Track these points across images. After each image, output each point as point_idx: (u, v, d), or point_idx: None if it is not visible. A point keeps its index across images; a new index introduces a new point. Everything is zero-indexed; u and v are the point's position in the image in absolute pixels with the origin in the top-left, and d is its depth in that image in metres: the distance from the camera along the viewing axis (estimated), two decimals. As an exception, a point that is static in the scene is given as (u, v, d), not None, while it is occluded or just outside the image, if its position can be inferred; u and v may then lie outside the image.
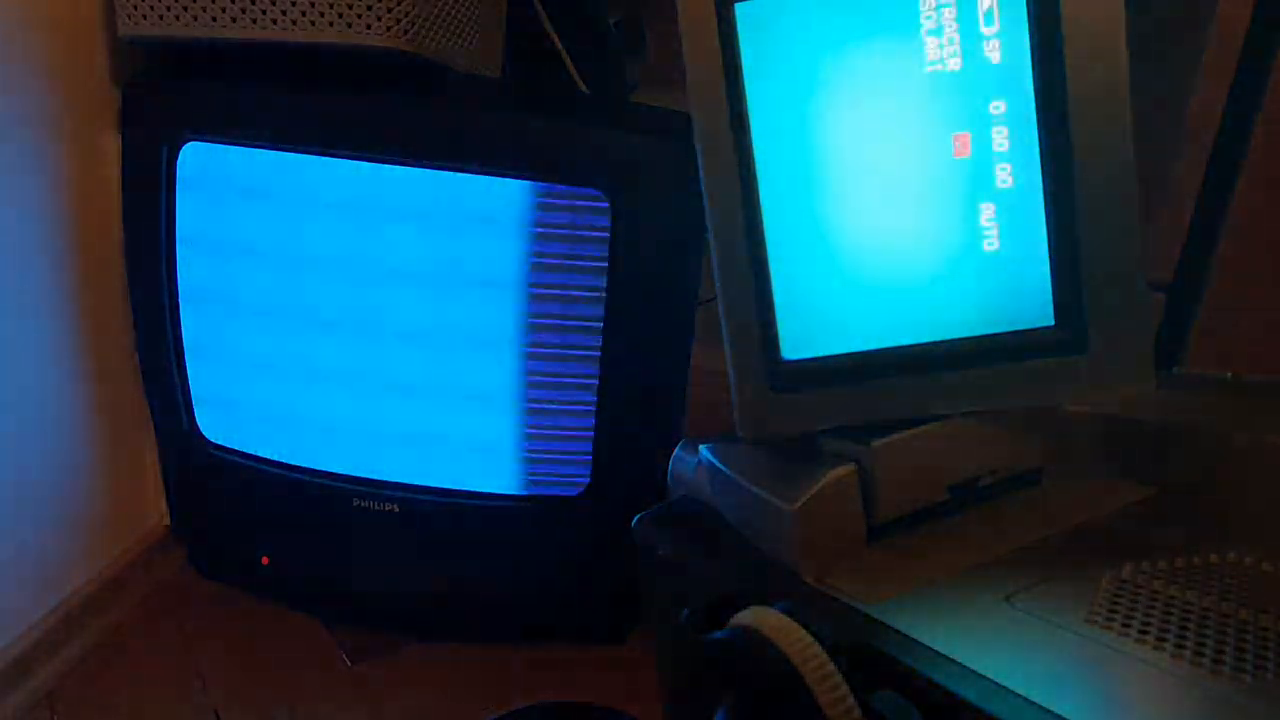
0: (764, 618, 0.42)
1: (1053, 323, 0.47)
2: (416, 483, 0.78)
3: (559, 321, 0.72)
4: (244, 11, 0.68)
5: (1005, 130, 0.46)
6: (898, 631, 0.42)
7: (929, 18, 0.46)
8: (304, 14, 0.67)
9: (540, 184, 0.69)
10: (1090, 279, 0.46)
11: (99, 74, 0.76)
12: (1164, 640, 0.40)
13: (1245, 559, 0.46)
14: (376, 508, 0.79)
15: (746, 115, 0.49)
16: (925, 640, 0.41)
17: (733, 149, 0.50)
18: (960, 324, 0.49)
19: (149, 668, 0.79)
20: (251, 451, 0.81)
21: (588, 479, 0.75)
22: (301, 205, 0.73)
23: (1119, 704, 0.38)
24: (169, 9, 0.69)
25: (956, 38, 0.46)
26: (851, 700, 0.38)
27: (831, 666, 0.39)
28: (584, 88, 0.90)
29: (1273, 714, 0.36)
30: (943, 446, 0.50)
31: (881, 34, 0.47)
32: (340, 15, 0.67)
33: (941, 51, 0.46)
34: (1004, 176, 0.47)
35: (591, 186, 0.68)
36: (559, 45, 0.88)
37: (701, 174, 0.51)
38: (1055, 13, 0.44)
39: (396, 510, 0.79)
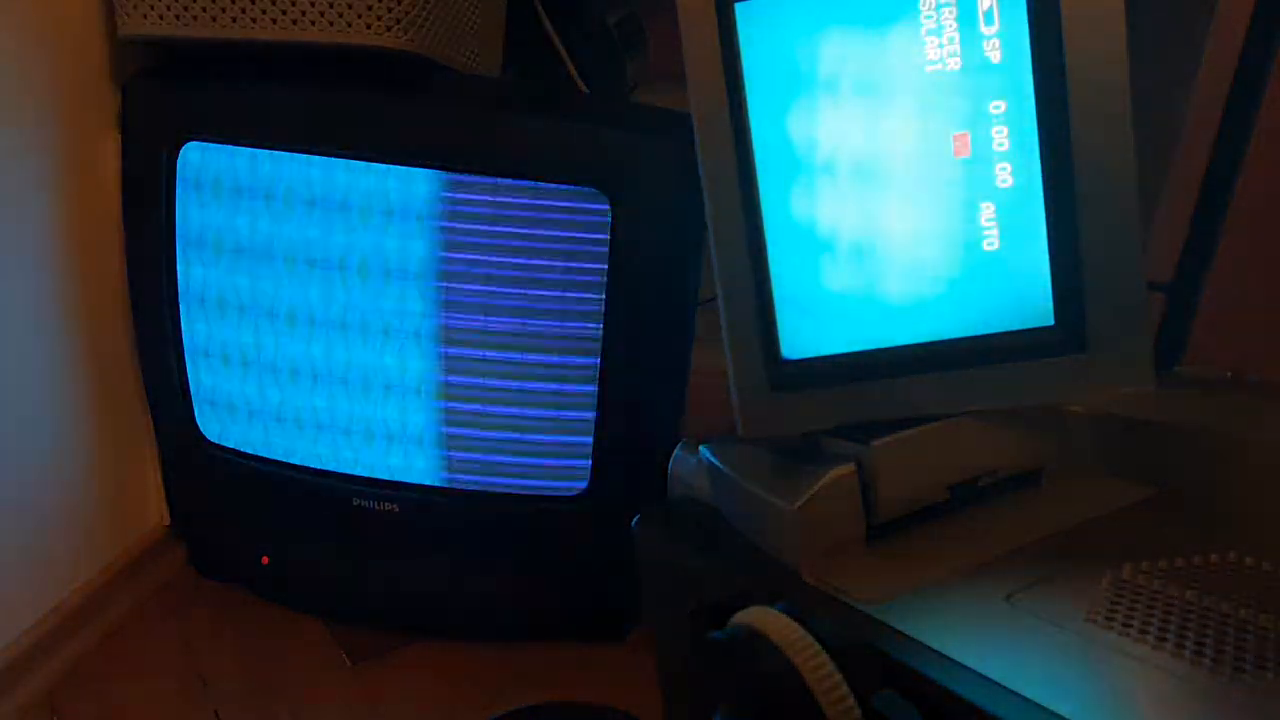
0: (764, 618, 0.42)
1: (1053, 323, 0.47)
2: (416, 482, 0.78)
3: (559, 322, 0.72)
4: (244, 11, 0.68)
5: (1005, 130, 0.46)
6: (898, 631, 0.42)
7: (929, 17, 0.46)
8: (304, 14, 0.67)
9: (540, 184, 0.69)
10: (1090, 279, 0.46)
11: (99, 74, 0.76)
12: (1164, 640, 0.40)
13: (1245, 559, 0.46)
14: (376, 507, 0.79)
15: (746, 115, 0.49)
16: (925, 640, 0.41)
17: (733, 149, 0.50)
18: (960, 324, 0.49)
19: (149, 668, 0.79)
20: (251, 451, 0.81)
21: (588, 479, 0.75)
22: (301, 205, 0.73)
23: (1119, 703, 0.38)
24: (169, 9, 0.69)
25: (956, 38, 0.46)
26: (851, 700, 0.38)
27: (831, 666, 0.39)
28: (584, 88, 0.90)
29: (1273, 714, 0.36)
30: (943, 446, 0.50)
31: (881, 34, 0.47)
32: (340, 15, 0.67)
33: (941, 51, 0.46)
34: (1004, 176, 0.47)
35: (591, 186, 0.68)
36: (559, 45, 0.88)
37: (701, 174, 0.51)
38: (1055, 13, 0.44)
39: (396, 510, 0.79)
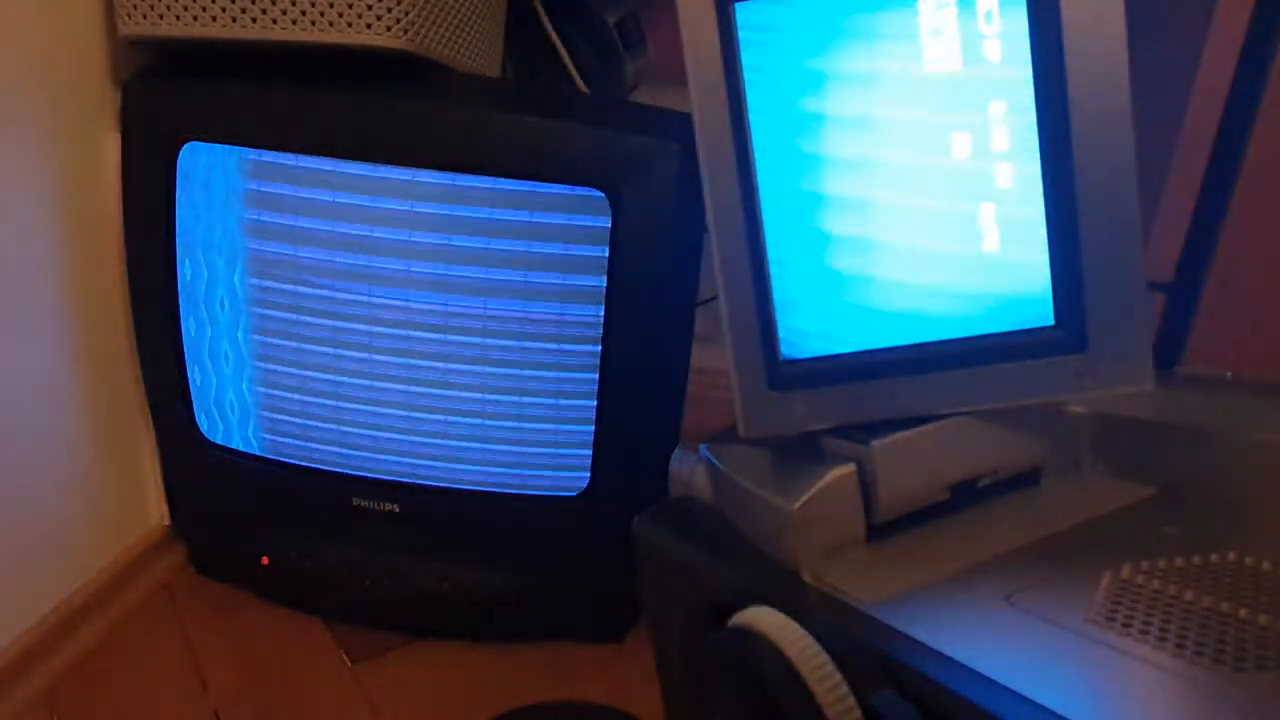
0: (764, 618, 0.42)
1: (1053, 323, 0.47)
2: (416, 482, 0.78)
3: (558, 321, 0.72)
4: (244, 11, 0.68)
5: (1005, 130, 0.46)
6: (898, 631, 0.42)
7: (929, 17, 0.46)
8: (304, 14, 0.67)
9: (540, 184, 0.69)
10: (1090, 279, 0.46)
11: (99, 74, 0.76)
12: (1164, 640, 0.40)
13: (1245, 559, 0.46)
14: (376, 507, 0.79)
15: (746, 115, 0.49)
16: (925, 640, 0.41)
17: (733, 149, 0.50)
18: (960, 324, 0.49)
19: (149, 668, 0.79)
20: (251, 451, 0.81)
21: (587, 479, 0.75)
22: (300, 205, 0.73)
23: (1119, 703, 0.38)
24: (169, 9, 0.69)
25: (956, 38, 0.46)
26: (851, 700, 0.38)
27: (831, 666, 0.39)
28: (584, 88, 0.90)
29: (1273, 714, 0.36)
30: (943, 446, 0.50)
31: (881, 34, 0.47)
32: (340, 15, 0.67)
33: (941, 51, 0.46)
34: (1004, 176, 0.47)
35: (591, 186, 0.68)
36: (559, 45, 0.88)
37: (702, 174, 0.51)
38: (1055, 13, 0.44)
39: (396, 510, 0.79)
